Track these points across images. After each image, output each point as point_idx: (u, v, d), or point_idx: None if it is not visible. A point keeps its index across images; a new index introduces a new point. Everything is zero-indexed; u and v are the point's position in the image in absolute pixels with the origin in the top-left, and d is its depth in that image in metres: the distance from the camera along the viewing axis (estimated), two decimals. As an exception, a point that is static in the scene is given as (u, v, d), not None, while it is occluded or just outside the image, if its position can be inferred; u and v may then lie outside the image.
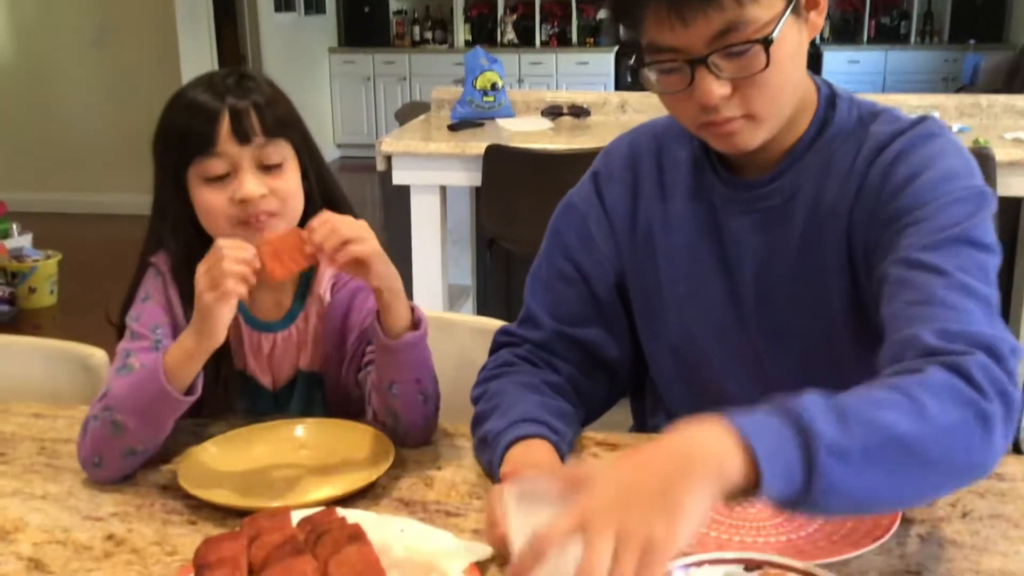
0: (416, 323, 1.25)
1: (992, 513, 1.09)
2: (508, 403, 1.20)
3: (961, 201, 1.08)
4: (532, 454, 1.13)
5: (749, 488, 0.81)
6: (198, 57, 6.64)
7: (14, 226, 4.98)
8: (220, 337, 1.18)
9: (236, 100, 1.28)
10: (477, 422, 1.24)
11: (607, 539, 0.75)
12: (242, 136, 1.27)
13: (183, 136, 1.28)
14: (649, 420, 1.41)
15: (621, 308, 1.33)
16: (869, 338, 1.08)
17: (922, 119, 1.17)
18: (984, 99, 3.65)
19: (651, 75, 1.12)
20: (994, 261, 1.06)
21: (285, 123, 1.32)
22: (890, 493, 0.89)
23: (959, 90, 6.90)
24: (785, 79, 1.10)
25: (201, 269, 1.16)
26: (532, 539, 0.78)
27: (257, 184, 1.27)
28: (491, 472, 1.17)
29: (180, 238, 1.34)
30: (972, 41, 7.86)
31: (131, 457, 1.21)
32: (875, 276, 1.11)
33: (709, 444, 0.82)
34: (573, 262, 1.31)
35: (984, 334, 0.95)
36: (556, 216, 1.36)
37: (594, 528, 0.76)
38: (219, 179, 1.28)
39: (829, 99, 1.20)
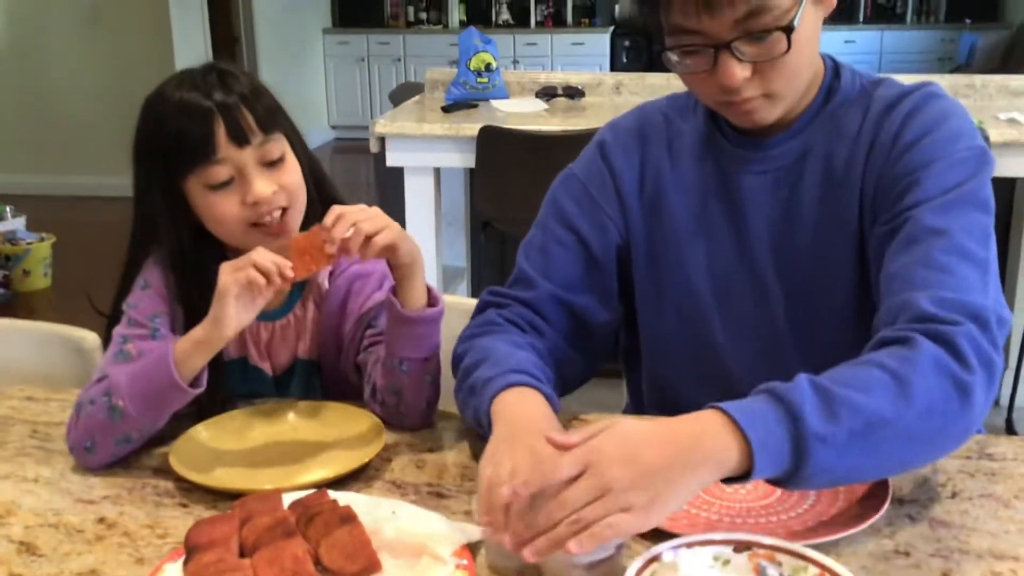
0: (433, 301, 1.26)
1: (982, 493, 1.09)
2: (498, 356, 1.18)
3: (965, 161, 1.13)
4: (525, 401, 1.11)
5: (744, 474, 0.91)
6: (191, 37, 6.61)
7: (7, 209, 4.96)
8: (229, 329, 1.16)
9: (224, 96, 1.26)
10: (464, 375, 1.20)
11: (593, 487, 0.87)
12: (240, 139, 1.26)
13: (179, 144, 1.26)
14: (646, 396, 1.42)
15: (616, 274, 1.33)
16: (872, 299, 1.14)
17: (925, 84, 1.22)
18: (979, 79, 3.65)
19: (672, 56, 1.15)
20: (992, 220, 1.12)
21: (275, 115, 1.31)
22: (875, 467, 0.99)
23: (954, 70, 6.88)
24: (803, 60, 1.15)
25: (228, 265, 1.17)
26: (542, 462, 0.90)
27: (266, 184, 1.27)
28: (477, 420, 1.15)
29: (174, 242, 1.32)
30: (968, 20, 7.83)
31: (124, 444, 1.21)
32: (876, 232, 1.15)
33: (710, 438, 0.91)
34: (571, 228, 1.31)
35: (975, 304, 1.02)
36: (554, 187, 1.37)
37: (591, 472, 0.88)
38: (224, 184, 1.27)
39: (834, 70, 1.25)
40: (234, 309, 1.16)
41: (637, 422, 0.93)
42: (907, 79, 1.30)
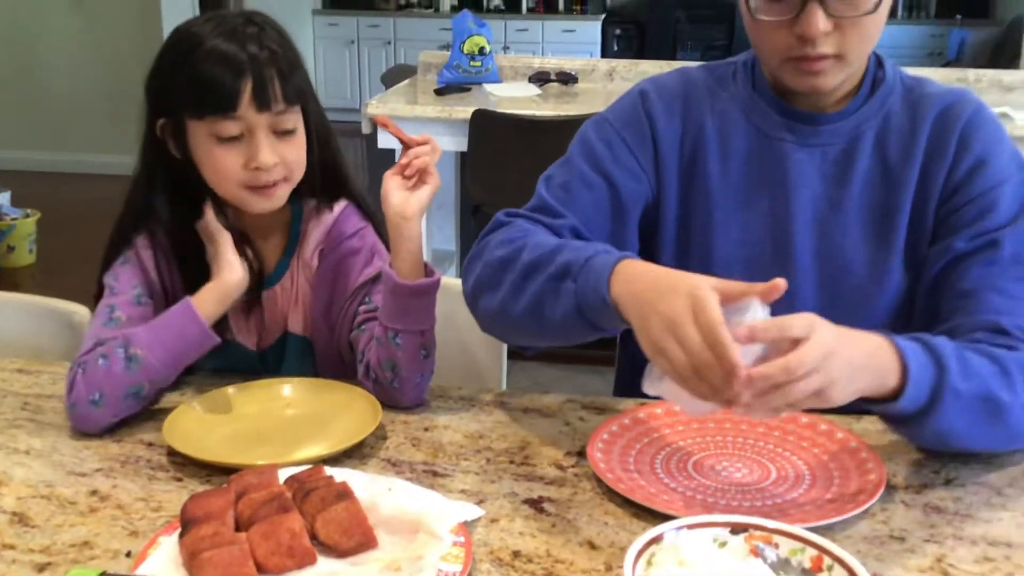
0: (430, 273, 1.28)
1: (975, 480, 1.09)
2: (574, 244, 1.14)
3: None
4: (652, 265, 1.06)
5: (888, 399, 1.01)
6: (180, 17, 6.53)
7: (-8, 184, 4.92)
8: (238, 272, 1.29)
9: (259, 53, 1.26)
10: (532, 267, 1.14)
11: (819, 356, 0.92)
12: (263, 102, 1.26)
13: (201, 89, 1.25)
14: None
15: (638, 227, 1.30)
16: (911, 289, 1.23)
17: (965, 90, 1.28)
18: (972, 73, 3.66)
19: (754, 1, 1.17)
20: None
21: (302, 91, 1.31)
22: (968, 435, 1.07)
23: (945, 65, 6.90)
24: (878, 27, 1.18)
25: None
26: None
27: (271, 153, 1.28)
28: (579, 302, 1.08)
29: (170, 199, 1.34)
30: (959, 16, 7.84)
31: (132, 400, 1.21)
32: (952, 245, 1.19)
33: (885, 354, 1.01)
34: (600, 171, 1.28)
35: None
36: (584, 129, 1.33)
37: (818, 341, 0.92)
38: (231, 139, 1.27)
39: (877, 60, 1.28)
40: (233, 254, 1.29)
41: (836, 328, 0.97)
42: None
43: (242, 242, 1.34)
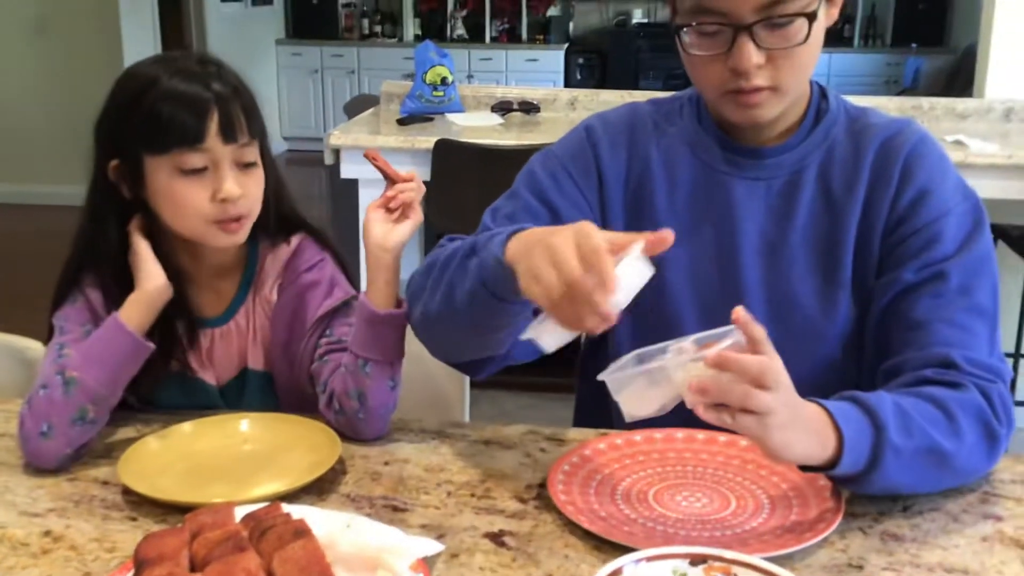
0: (400, 305, 1.28)
1: (932, 507, 1.10)
2: (491, 233, 1.12)
3: (972, 210, 1.22)
4: (545, 227, 1.05)
5: (827, 465, 1.03)
6: (141, 48, 6.52)
7: (-52, 216, 4.85)
8: (159, 278, 1.28)
9: (222, 88, 1.27)
10: (449, 258, 1.17)
11: (775, 370, 0.94)
12: (229, 134, 1.27)
13: (167, 127, 1.25)
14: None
15: None
16: (861, 317, 1.23)
17: (908, 120, 1.28)
18: (926, 101, 3.72)
19: (686, 37, 1.17)
20: (996, 268, 1.22)
21: (262, 126, 1.33)
22: (916, 486, 1.10)
23: (900, 93, 7.01)
24: (812, 57, 1.18)
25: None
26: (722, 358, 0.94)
27: (236, 185, 1.28)
28: (481, 276, 1.09)
29: (119, 242, 1.32)
30: (914, 45, 8.00)
31: (80, 425, 1.20)
32: (900, 277, 1.20)
33: (823, 429, 1.02)
34: (544, 201, 1.29)
35: (997, 367, 1.16)
36: (531, 162, 1.35)
37: (779, 392, 0.95)
38: (196, 172, 1.27)
39: (821, 91, 1.29)
40: (152, 263, 1.28)
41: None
42: (856, 101, 1.33)
43: (181, 292, 1.33)
